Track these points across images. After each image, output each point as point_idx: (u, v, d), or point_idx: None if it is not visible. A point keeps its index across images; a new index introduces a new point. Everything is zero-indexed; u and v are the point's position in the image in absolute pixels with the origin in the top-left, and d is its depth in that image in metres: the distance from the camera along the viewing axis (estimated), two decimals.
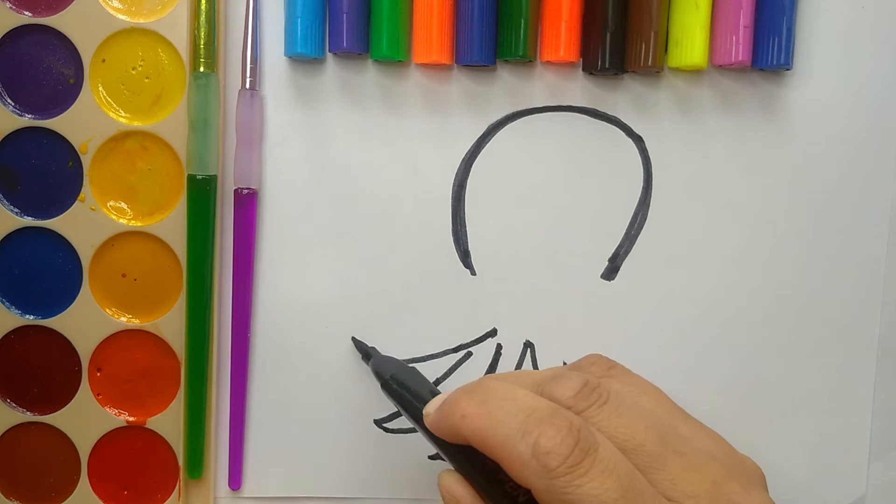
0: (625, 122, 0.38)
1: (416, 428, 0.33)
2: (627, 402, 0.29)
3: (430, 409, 0.31)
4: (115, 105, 0.38)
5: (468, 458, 0.29)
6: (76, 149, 0.38)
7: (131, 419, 0.40)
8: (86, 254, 0.39)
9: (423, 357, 0.40)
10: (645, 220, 0.39)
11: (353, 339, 0.39)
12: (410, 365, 0.37)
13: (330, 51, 0.38)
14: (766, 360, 0.39)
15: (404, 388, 0.34)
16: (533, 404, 0.27)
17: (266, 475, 0.40)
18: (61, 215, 0.39)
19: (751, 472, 0.30)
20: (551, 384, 0.29)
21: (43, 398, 0.40)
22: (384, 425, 0.40)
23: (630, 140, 0.38)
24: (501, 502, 0.29)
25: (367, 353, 0.38)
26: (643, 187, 0.39)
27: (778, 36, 0.36)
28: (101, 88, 0.38)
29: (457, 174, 0.39)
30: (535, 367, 0.39)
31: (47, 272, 0.39)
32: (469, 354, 0.39)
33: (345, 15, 0.37)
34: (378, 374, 0.36)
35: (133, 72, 0.38)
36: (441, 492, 0.30)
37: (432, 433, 0.31)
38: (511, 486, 0.28)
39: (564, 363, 0.39)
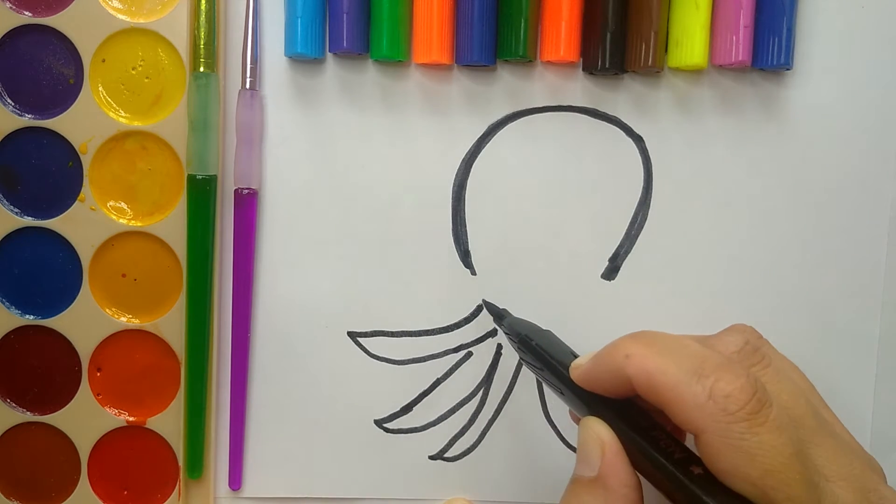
0: (625, 122, 0.38)
1: (555, 388, 0.32)
2: (785, 372, 0.29)
3: (583, 360, 0.30)
4: (115, 105, 0.38)
5: (620, 412, 0.29)
6: (76, 149, 0.38)
7: (131, 419, 0.40)
8: (86, 254, 0.39)
9: (423, 357, 0.40)
10: (645, 220, 0.39)
11: (485, 301, 0.39)
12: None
13: (330, 51, 0.38)
14: None
15: (542, 348, 0.33)
16: (704, 352, 0.27)
17: (266, 475, 0.40)
18: (61, 215, 0.39)
19: (878, 467, 0.30)
20: (712, 340, 0.29)
21: (43, 398, 0.40)
22: (384, 425, 0.40)
23: (630, 140, 0.38)
24: (653, 458, 0.27)
25: (499, 314, 0.38)
26: (643, 187, 0.39)
27: (778, 36, 0.36)
28: (101, 88, 0.38)
29: (457, 174, 0.39)
30: None
31: (47, 272, 0.39)
32: (469, 354, 0.39)
33: (345, 15, 0.37)
34: (515, 334, 0.35)
35: (133, 72, 0.38)
36: (583, 435, 0.29)
37: (577, 388, 0.30)
38: (665, 443, 0.27)
39: None
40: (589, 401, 0.30)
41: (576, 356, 0.32)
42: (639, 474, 0.28)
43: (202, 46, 0.37)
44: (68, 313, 0.39)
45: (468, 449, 0.40)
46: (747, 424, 0.25)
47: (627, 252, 0.39)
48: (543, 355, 0.33)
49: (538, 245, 0.39)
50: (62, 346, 0.39)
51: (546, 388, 0.39)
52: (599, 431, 0.29)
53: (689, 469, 0.26)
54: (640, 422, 0.28)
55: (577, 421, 0.33)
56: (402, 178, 0.39)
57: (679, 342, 0.28)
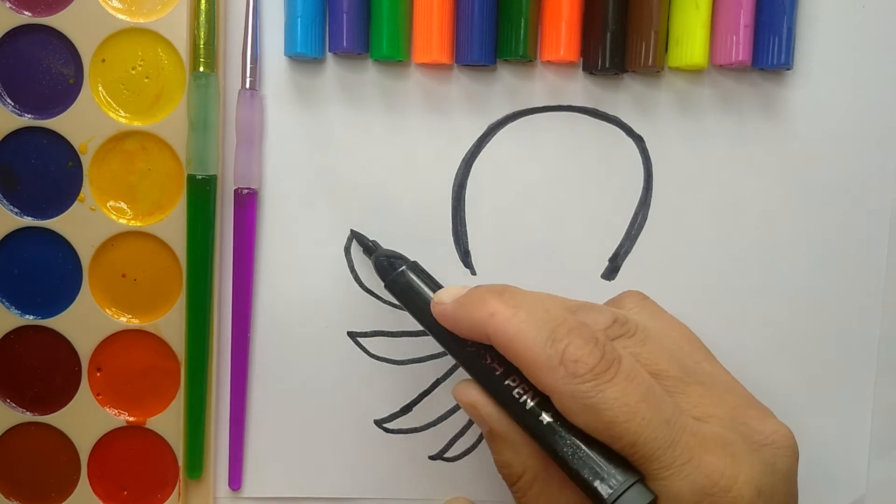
0: (625, 121, 0.38)
1: (418, 320, 0.33)
2: (654, 334, 0.30)
3: (445, 297, 0.31)
4: (114, 105, 0.38)
5: (476, 356, 0.30)
6: (76, 149, 0.38)
7: (131, 419, 0.40)
8: (86, 254, 0.39)
9: (423, 357, 0.40)
10: (645, 219, 0.39)
11: (353, 231, 0.39)
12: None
13: (330, 51, 0.38)
14: (767, 359, 0.39)
15: (410, 286, 0.34)
16: (563, 315, 0.29)
17: (266, 475, 0.40)
18: (61, 215, 0.39)
19: (764, 407, 0.31)
20: (582, 312, 0.30)
21: (43, 398, 0.40)
22: (384, 425, 0.40)
23: (630, 140, 0.38)
24: (507, 406, 0.29)
25: (368, 246, 0.38)
26: (643, 187, 0.39)
27: (778, 36, 0.36)
28: (100, 88, 0.38)
29: (457, 174, 0.39)
30: None
31: (47, 272, 0.39)
32: None
33: (345, 15, 0.37)
34: (380, 269, 0.35)
35: (133, 72, 0.38)
36: (457, 398, 0.31)
37: (438, 325, 0.31)
38: (520, 391, 0.29)
39: None
40: (446, 337, 0.31)
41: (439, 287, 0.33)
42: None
43: (202, 46, 0.37)
44: (68, 313, 0.39)
45: (468, 449, 0.40)
46: (594, 384, 0.27)
47: (627, 252, 0.39)
48: (408, 293, 0.33)
49: (538, 245, 0.39)
50: (62, 346, 0.39)
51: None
52: (469, 398, 0.31)
53: (539, 417, 0.28)
54: (496, 368, 0.30)
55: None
56: (402, 177, 0.39)
57: (542, 302, 0.29)
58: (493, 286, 0.30)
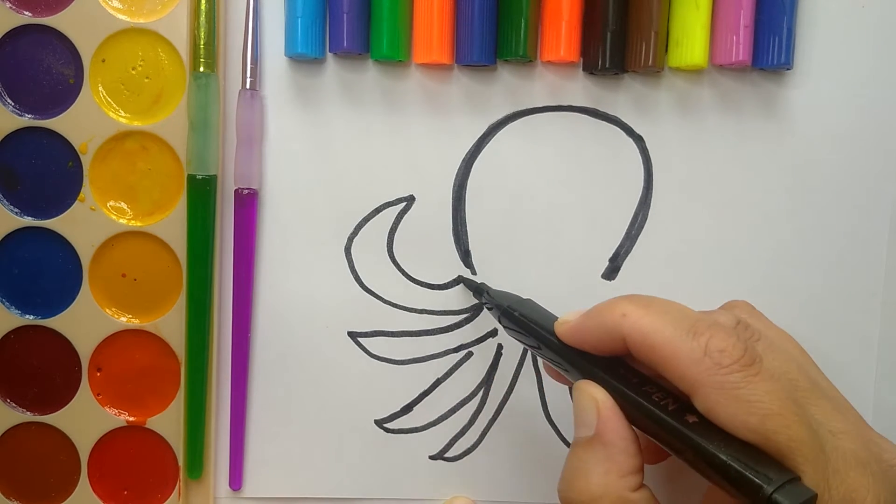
0: (625, 121, 0.38)
1: (539, 351, 0.33)
2: (776, 343, 0.30)
3: (570, 317, 0.31)
4: (115, 105, 0.38)
5: (610, 369, 0.30)
6: (76, 149, 0.38)
7: (131, 419, 0.40)
8: (86, 254, 0.39)
9: (423, 357, 0.40)
10: (645, 219, 0.39)
11: (462, 277, 0.39)
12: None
13: (330, 51, 0.38)
14: None
15: (525, 316, 0.34)
16: (697, 314, 0.28)
17: (266, 475, 0.40)
18: (61, 215, 0.39)
19: (873, 430, 0.31)
20: (706, 314, 0.30)
21: (43, 398, 0.40)
22: (384, 425, 0.40)
23: (630, 140, 0.38)
24: (649, 412, 0.28)
25: (478, 289, 0.38)
26: (643, 187, 0.39)
27: (778, 36, 0.36)
28: (101, 88, 0.38)
29: (457, 174, 0.39)
30: (536, 367, 0.39)
31: (47, 272, 0.39)
32: (470, 354, 0.39)
33: (345, 15, 0.37)
34: (497, 306, 0.35)
35: (133, 72, 0.38)
36: (577, 398, 0.30)
37: (564, 348, 0.31)
38: (658, 397, 0.28)
39: None
40: (576, 359, 0.31)
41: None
42: (636, 429, 0.29)
43: (202, 46, 0.37)
44: (68, 313, 0.39)
45: (468, 449, 0.40)
46: (742, 374, 0.26)
47: (627, 252, 0.39)
48: (526, 322, 0.33)
49: (538, 245, 0.39)
50: (62, 346, 0.39)
51: (540, 363, 0.39)
52: (592, 392, 0.29)
53: (684, 418, 0.27)
54: (630, 378, 0.29)
55: (553, 375, 0.35)
56: (403, 178, 0.39)
57: (672, 305, 0.29)
58: (621, 295, 0.30)
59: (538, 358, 0.38)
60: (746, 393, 0.26)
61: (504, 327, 0.35)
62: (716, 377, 0.26)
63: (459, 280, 0.39)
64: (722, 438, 0.26)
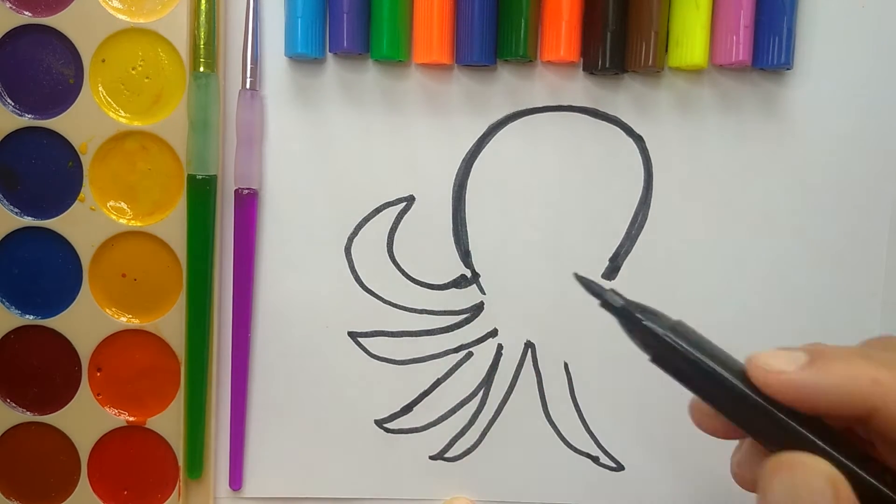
0: (625, 121, 0.38)
1: (710, 395, 0.25)
2: None
3: (784, 364, 0.24)
4: (115, 105, 0.38)
5: (827, 436, 0.24)
6: (76, 149, 0.38)
7: (131, 419, 0.40)
8: (86, 254, 0.39)
9: (423, 357, 0.40)
10: (645, 219, 0.39)
11: (576, 275, 0.27)
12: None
13: (330, 51, 0.38)
14: None
15: (698, 349, 0.25)
16: None
17: (266, 475, 0.40)
18: (61, 215, 0.39)
19: None
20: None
21: (43, 398, 0.40)
22: (385, 425, 0.40)
23: (630, 140, 0.38)
24: (876, 485, 0.23)
25: (600, 293, 0.27)
26: (643, 187, 0.39)
27: (778, 35, 0.36)
28: (101, 88, 0.38)
29: (457, 174, 0.39)
30: (536, 367, 0.39)
31: (47, 272, 0.39)
32: (470, 354, 0.39)
33: (345, 15, 0.37)
34: (649, 331, 0.26)
35: (133, 72, 0.38)
36: (798, 474, 0.23)
37: (762, 401, 0.24)
38: (891, 475, 0.23)
39: (565, 363, 0.39)
40: (780, 419, 0.24)
41: (726, 353, 0.26)
42: None
43: (202, 46, 0.37)
44: (68, 313, 0.39)
45: (468, 449, 0.40)
46: None
47: (627, 252, 0.39)
48: (702, 362, 0.25)
49: (538, 245, 0.39)
50: (62, 346, 0.39)
51: (547, 383, 0.39)
52: (828, 472, 0.22)
53: None
54: (854, 452, 0.24)
55: (708, 427, 0.27)
56: (403, 178, 0.39)
57: None
58: (827, 346, 0.25)
59: (699, 400, 0.27)
60: None
61: (651, 357, 0.26)
62: None
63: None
64: None
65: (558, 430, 0.40)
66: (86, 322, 0.39)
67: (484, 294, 0.39)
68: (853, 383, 0.23)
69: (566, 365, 0.39)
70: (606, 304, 0.27)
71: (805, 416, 0.24)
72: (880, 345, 0.27)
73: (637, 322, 0.26)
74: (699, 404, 0.27)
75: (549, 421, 0.40)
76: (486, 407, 0.40)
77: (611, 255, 0.39)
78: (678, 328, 0.26)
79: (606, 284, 0.39)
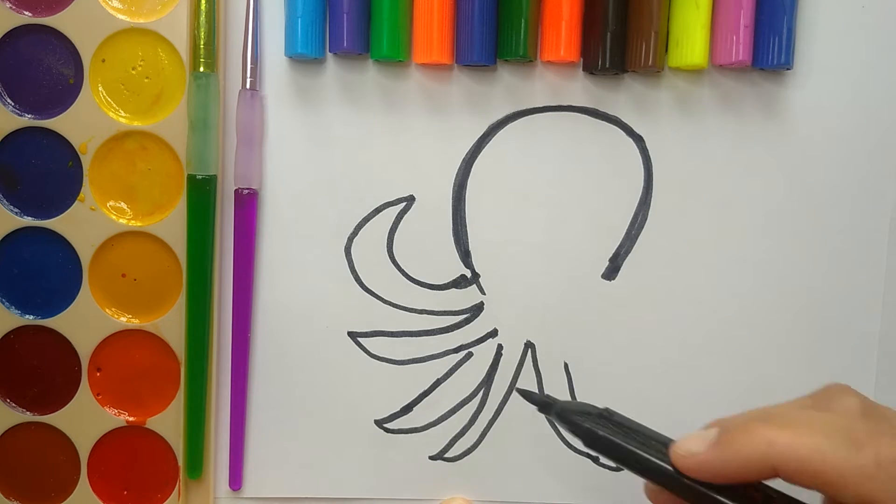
0: (625, 121, 0.38)
1: (645, 476, 0.28)
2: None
3: (695, 447, 0.27)
4: (115, 105, 0.38)
5: (738, 497, 0.26)
6: (76, 149, 0.38)
7: (131, 419, 0.40)
8: (86, 254, 0.39)
9: (423, 357, 0.40)
10: (645, 219, 0.39)
11: (518, 389, 0.35)
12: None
13: (330, 51, 0.38)
14: (767, 359, 0.39)
15: (617, 435, 0.28)
16: (843, 421, 0.26)
17: (266, 475, 0.40)
18: (61, 215, 0.39)
19: None
20: (824, 403, 0.28)
21: (43, 398, 0.40)
22: (384, 425, 0.40)
23: (630, 140, 0.38)
24: None
25: (543, 402, 0.31)
26: (643, 187, 0.39)
27: (778, 35, 0.36)
28: (101, 88, 0.38)
29: (457, 174, 0.39)
30: (536, 367, 0.39)
31: (47, 272, 0.39)
32: (470, 355, 0.39)
33: (345, 15, 0.37)
34: (573, 424, 0.29)
35: (133, 72, 0.38)
36: None
37: (683, 479, 0.27)
38: None
39: (565, 363, 0.39)
40: (696, 492, 0.27)
41: (658, 435, 0.29)
42: None
43: (202, 46, 0.37)
44: (68, 313, 0.39)
45: (468, 449, 0.40)
46: None
47: (628, 252, 0.39)
48: (622, 446, 0.28)
49: (538, 245, 0.39)
50: (62, 346, 0.39)
51: (548, 383, 0.39)
52: None
53: None
54: (755, 498, 0.27)
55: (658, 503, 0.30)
56: (403, 178, 0.39)
57: (811, 416, 0.27)
58: (738, 416, 0.27)
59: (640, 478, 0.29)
60: None
61: (587, 446, 0.29)
62: (893, 491, 0.24)
63: (521, 392, 0.33)
64: None
65: (558, 431, 0.40)
66: (86, 322, 0.39)
67: (484, 294, 0.39)
68: (750, 450, 0.25)
69: (566, 365, 0.39)
70: (544, 410, 0.31)
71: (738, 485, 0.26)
72: (822, 396, 0.29)
73: (577, 424, 0.29)
74: (648, 483, 0.29)
75: (549, 421, 0.40)
76: (486, 407, 0.40)
77: (611, 255, 0.39)
78: (611, 418, 0.30)
79: (606, 284, 0.39)
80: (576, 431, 0.29)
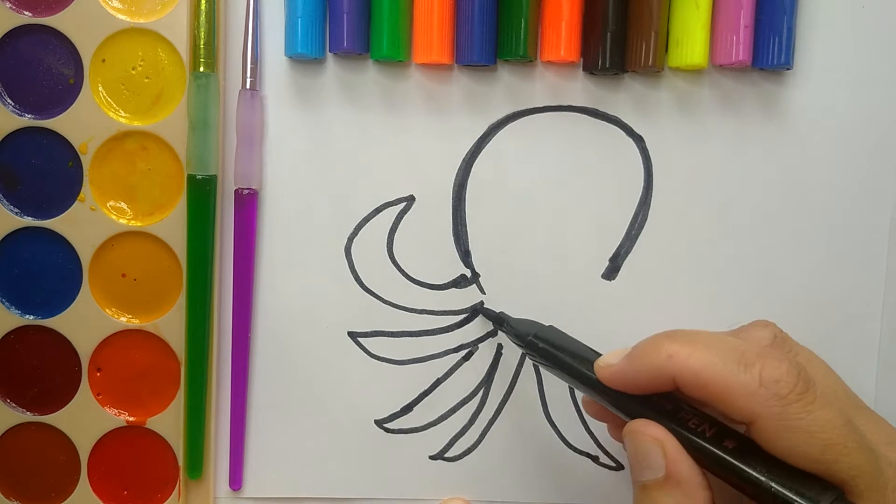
0: (625, 121, 0.38)
1: (575, 385, 0.32)
2: (810, 357, 0.30)
3: (612, 360, 0.30)
4: (115, 105, 0.38)
5: (650, 405, 0.29)
6: (76, 149, 0.38)
7: (131, 419, 0.40)
8: (86, 254, 0.39)
9: (423, 357, 0.40)
10: (645, 219, 0.39)
11: (481, 307, 0.39)
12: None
13: (330, 51, 0.38)
14: None
15: (555, 347, 0.33)
16: (742, 343, 0.28)
17: (266, 475, 0.40)
18: (61, 215, 0.39)
19: None
20: (741, 334, 0.30)
21: (43, 398, 0.40)
22: (384, 425, 0.40)
23: (630, 140, 0.38)
24: (693, 441, 0.28)
25: (498, 318, 0.38)
26: (643, 187, 0.39)
27: (778, 35, 0.36)
28: (101, 88, 0.38)
29: (457, 174, 0.39)
30: (536, 367, 0.39)
31: (47, 272, 0.39)
32: (469, 354, 0.39)
33: (345, 15, 0.37)
34: (520, 337, 0.35)
35: (133, 72, 0.38)
36: (636, 438, 0.29)
37: (601, 387, 0.30)
38: (694, 423, 0.28)
39: None
40: (622, 400, 0.30)
41: (590, 351, 0.33)
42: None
43: (202, 46, 0.37)
44: (68, 313, 0.39)
45: (468, 449, 0.40)
46: (800, 405, 0.26)
47: (627, 252, 0.39)
48: (557, 356, 0.33)
49: (538, 245, 0.39)
50: (62, 346, 0.39)
51: (547, 382, 0.39)
52: (654, 432, 0.29)
53: (723, 443, 0.27)
54: (666, 407, 0.29)
55: (591, 413, 0.34)
56: (403, 178, 0.39)
57: (715, 337, 0.29)
58: (656, 334, 0.30)
59: (575, 391, 0.36)
60: (806, 423, 0.26)
61: (532, 361, 0.35)
62: (774, 408, 0.26)
63: (477, 310, 0.39)
64: (773, 462, 0.26)
65: (558, 430, 0.40)
66: (86, 322, 0.39)
67: (484, 294, 0.39)
68: (652, 362, 0.28)
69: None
70: (496, 323, 0.38)
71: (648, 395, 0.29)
72: (742, 328, 0.33)
73: (522, 336, 0.35)
74: (584, 395, 0.34)
75: (549, 421, 0.40)
76: (486, 407, 0.40)
77: (611, 255, 0.39)
78: (549, 332, 0.34)
79: (606, 284, 0.39)
80: (521, 342, 0.35)
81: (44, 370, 0.40)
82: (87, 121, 0.38)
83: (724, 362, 0.27)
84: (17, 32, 0.38)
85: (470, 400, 0.40)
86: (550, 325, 0.35)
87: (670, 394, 0.29)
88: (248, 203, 0.39)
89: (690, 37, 0.36)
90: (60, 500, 0.40)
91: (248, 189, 0.39)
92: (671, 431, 0.28)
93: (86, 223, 0.39)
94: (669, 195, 0.38)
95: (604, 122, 0.38)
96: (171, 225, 0.39)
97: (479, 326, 0.39)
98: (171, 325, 0.39)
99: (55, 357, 0.40)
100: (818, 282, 0.38)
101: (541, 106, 0.38)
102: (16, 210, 0.39)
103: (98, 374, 0.40)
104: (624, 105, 0.38)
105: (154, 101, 0.38)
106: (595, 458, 0.40)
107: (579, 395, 0.39)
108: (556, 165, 0.39)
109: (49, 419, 0.40)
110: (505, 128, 0.39)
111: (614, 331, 0.39)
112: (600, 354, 0.32)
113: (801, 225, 0.38)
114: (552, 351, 0.33)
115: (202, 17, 0.37)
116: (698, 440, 0.28)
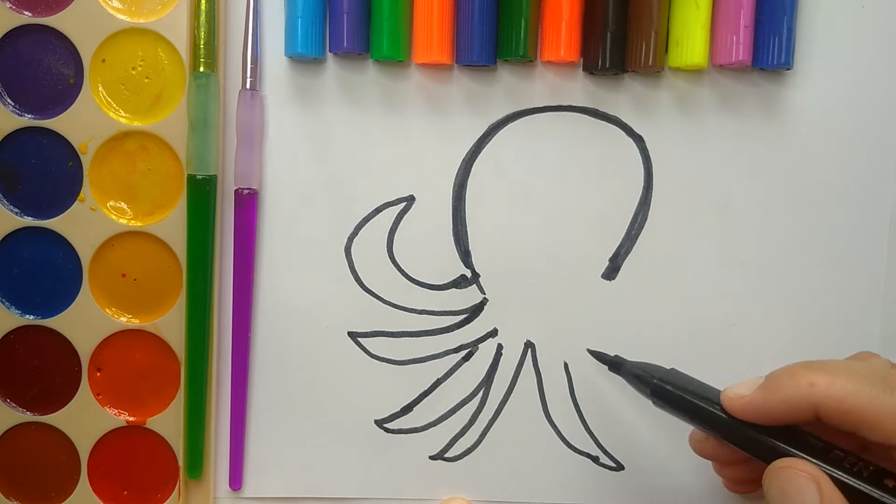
0: (625, 121, 0.38)
1: (699, 426, 0.32)
2: None
3: (743, 390, 0.30)
4: (115, 105, 0.38)
5: (794, 440, 0.29)
6: (76, 149, 0.38)
7: (131, 419, 0.40)
8: (86, 254, 0.39)
9: (423, 357, 0.40)
10: (645, 219, 0.39)
11: (590, 350, 0.38)
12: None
13: (330, 51, 0.38)
14: (767, 359, 0.39)
15: (680, 389, 0.33)
16: (878, 368, 0.28)
17: (266, 475, 0.40)
18: (61, 215, 0.39)
19: None
20: (864, 359, 0.30)
21: (43, 398, 0.40)
22: (385, 425, 0.40)
23: (630, 140, 0.38)
24: (840, 475, 0.28)
25: (614, 362, 0.37)
26: (643, 187, 0.39)
27: (778, 35, 0.36)
28: (101, 88, 0.38)
29: (457, 174, 0.39)
30: (536, 367, 0.39)
31: (47, 272, 0.39)
32: (470, 354, 0.39)
33: (345, 15, 0.37)
34: (645, 382, 0.34)
35: (133, 72, 0.38)
36: (784, 477, 0.28)
37: (735, 422, 0.30)
38: (849, 462, 0.28)
39: (565, 363, 0.39)
40: (754, 434, 0.30)
41: (711, 389, 0.32)
42: None
43: (202, 46, 0.37)
44: (68, 313, 0.39)
45: (468, 449, 0.40)
46: None
47: (628, 252, 0.39)
48: (685, 399, 0.32)
49: (538, 245, 0.39)
50: (62, 346, 0.39)
51: (548, 383, 0.39)
52: (810, 471, 0.28)
53: (884, 482, 0.27)
54: (814, 443, 0.29)
55: (701, 452, 0.34)
56: (403, 178, 0.39)
57: (853, 364, 0.29)
58: (790, 366, 0.30)
59: (694, 428, 0.34)
60: None
61: (654, 403, 0.34)
62: None
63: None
64: None
65: (558, 430, 0.40)
66: (86, 322, 0.39)
67: (484, 294, 0.39)
68: (794, 391, 0.28)
69: (566, 365, 0.39)
70: (614, 368, 0.36)
71: (787, 429, 0.29)
72: (856, 356, 0.33)
73: (646, 380, 0.34)
74: (695, 434, 0.34)
75: (549, 421, 0.40)
76: (486, 407, 0.40)
77: (611, 255, 0.39)
78: (673, 374, 0.34)
79: (606, 284, 0.39)
80: (645, 386, 0.34)
81: (44, 370, 0.40)
82: (87, 121, 0.38)
83: (869, 387, 0.27)
84: (17, 32, 0.38)
85: (470, 400, 0.40)
86: (672, 368, 0.34)
87: (798, 429, 0.29)
88: (248, 203, 0.39)
89: (690, 37, 0.36)
90: (60, 500, 0.40)
91: (248, 189, 0.39)
92: (822, 469, 0.28)
93: (86, 223, 0.39)
94: (669, 195, 0.38)
95: (604, 122, 0.38)
96: (171, 225, 0.39)
97: (479, 326, 0.39)
98: (171, 325, 0.39)
99: (55, 357, 0.40)
100: (818, 282, 0.38)
101: (541, 106, 0.38)
102: (16, 210, 0.39)
103: (98, 374, 0.40)
104: (624, 105, 0.38)
105: (154, 101, 0.38)
106: (595, 459, 0.40)
107: (580, 395, 0.39)
108: (555, 165, 0.39)
109: (49, 419, 0.40)
110: (505, 128, 0.39)
111: (614, 330, 0.39)
112: (720, 391, 0.31)
113: (801, 225, 0.38)
114: (678, 394, 0.33)
115: (202, 17, 0.37)
116: (854, 480, 0.28)
